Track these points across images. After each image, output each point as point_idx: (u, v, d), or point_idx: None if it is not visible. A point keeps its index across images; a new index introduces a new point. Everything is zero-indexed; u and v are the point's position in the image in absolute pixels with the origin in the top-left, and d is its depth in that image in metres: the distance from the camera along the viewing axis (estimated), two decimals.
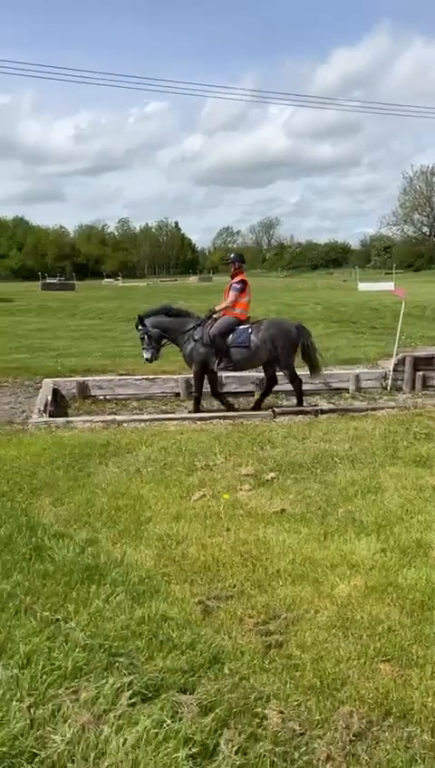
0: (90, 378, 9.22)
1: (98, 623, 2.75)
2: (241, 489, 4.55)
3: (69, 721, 2.14)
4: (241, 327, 7.85)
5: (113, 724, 2.11)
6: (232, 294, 7.95)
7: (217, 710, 2.15)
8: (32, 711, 2.20)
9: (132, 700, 2.24)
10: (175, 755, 1.94)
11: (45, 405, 7.58)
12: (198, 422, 6.86)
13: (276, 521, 3.97)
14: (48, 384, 8.65)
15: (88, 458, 5.28)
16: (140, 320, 7.91)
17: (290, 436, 6.05)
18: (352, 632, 2.69)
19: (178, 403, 8.82)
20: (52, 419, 6.95)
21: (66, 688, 2.33)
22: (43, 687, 2.32)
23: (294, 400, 8.07)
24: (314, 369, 8.20)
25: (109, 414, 7.75)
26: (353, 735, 2.04)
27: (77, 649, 2.54)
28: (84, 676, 2.39)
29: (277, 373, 8.11)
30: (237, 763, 1.93)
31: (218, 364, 7.86)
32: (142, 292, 43.26)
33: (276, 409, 7.61)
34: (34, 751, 2.02)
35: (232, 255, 8.44)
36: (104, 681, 2.34)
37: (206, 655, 2.50)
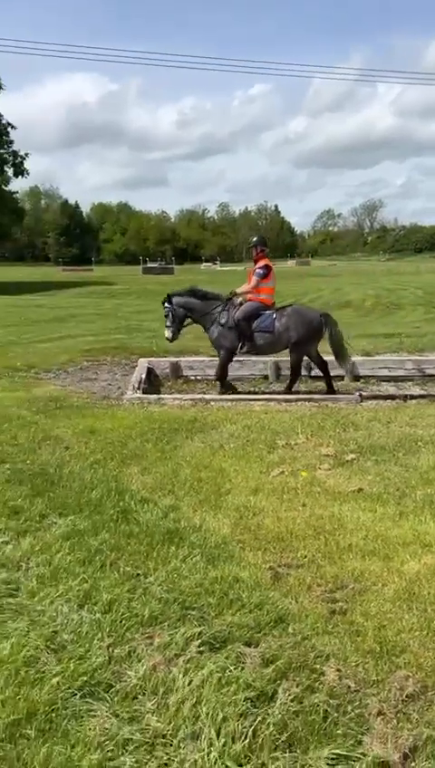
0: (182, 358, 9.53)
1: (174, 580, 2.97)
2: (320, 468, 4.64)
3: (142, 661, 2.36)
4: (266, 312, 7.90)
5: (182, 667, 2.31)
6: (254, 280, 8.01)
7: (277, 663, 2.30)
8: (110, 650, 2.44)
9: (201, 648, 2.43)
10: (235, 697, 2.11)
11: (139, 382, 7.95)
12: (283, 403, 6.96)
13: (352, 499, 4.03)
14: (143, 363, 9.04)
15: (175, 433, 5.54)
16: (168, 298, 8.09)
17: (375, 420, 6.04)
18: (416, 606, 2.74)
19: (266, 385, 8.96)
20: (144, 396, 7.29)
21: (142, 633, 2.55)
22: (122, 631, 2.56)
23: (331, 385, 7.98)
24: (340, 357, 8.12)
25: (198, 393, 8.01)
26: (407, 696, 2.12)
27: (154, 601, 2.77)
28: (159, 624, 2.61)
29: (327, 357, 8.13)
30: (293, 709, 2.07)
31: (242, 348, 7.96)
32: (239, 276, 43.51)
33: (363, 393, 7.58)
34: (111, 683, 2.25)
35: (254, 239, 8.49)
36: (176, 630, 2.55)
37: (272, 615, 2.65)
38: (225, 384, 8.11)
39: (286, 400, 7.15)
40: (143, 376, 8.34)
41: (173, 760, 1.88)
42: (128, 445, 5.21)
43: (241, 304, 7.95)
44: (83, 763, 1.88)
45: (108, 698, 2.17)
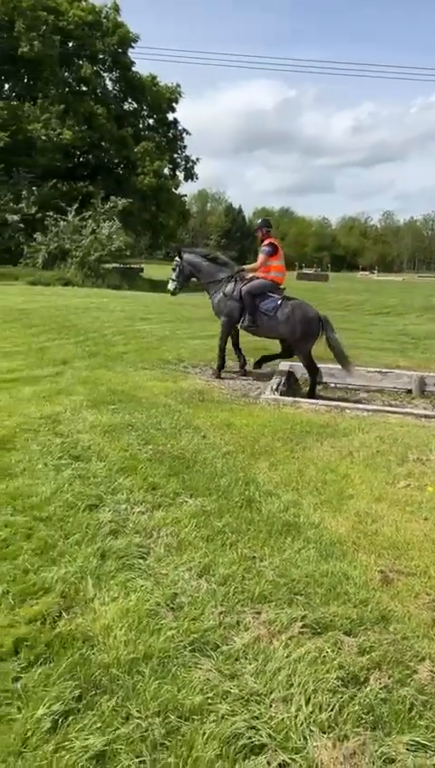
0: (323, 365, 9.62)
1: (287, 567, 3.17)
2: None
3: (248, 631, 2.60)
4: (274, 296, 8.06)
5: (283, 641, 2.52)
6: (261, 257, 8.14)
7: (373, 653, 2.44)
8: (221, 616, 2.70)
9: (303, 630, 2.62)
10: (327, 675, 2.29)
11: (278, 385, 8.18)
12: (422, 419, 6.85)
13: None
14: (284, 367, 9.26)
15: (306, 435, 5.71)
16: (179, 252, 8.35)
17: None
18: None
19: (408, 400, 8.81)
20: (281, 398, 7.52)
21: (251, 608, 2.79)
22: (233, 603, 2.82)
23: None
24: (342, 362, 8.18)
25: (335, 400, 8.09)
26: None
27: (265, 582, 3.00)
28: (267, 602, 2.84)
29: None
30: (381, 696, 2.20)
31: (242, 322, 8.17)
32: (395, 287, 42.36)
33: None
34: (218, 644, 2.52)
35: (259, 221, 8.62)
36: (282, 610, 2.76)
37: (375, 612, 2.77)
38: (223, 353, 8.48)
39: (426, 416, 7.02)
40: (283, 379, 8.56)
41: (264, 715, 2.10)
42: (259, 441, 5.47)
43: (251, 279, 8.10)
44: (186, 702, 2.16)
45: (214, 656, 2.44)
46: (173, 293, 8.75)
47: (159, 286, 34.02)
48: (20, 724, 2.04)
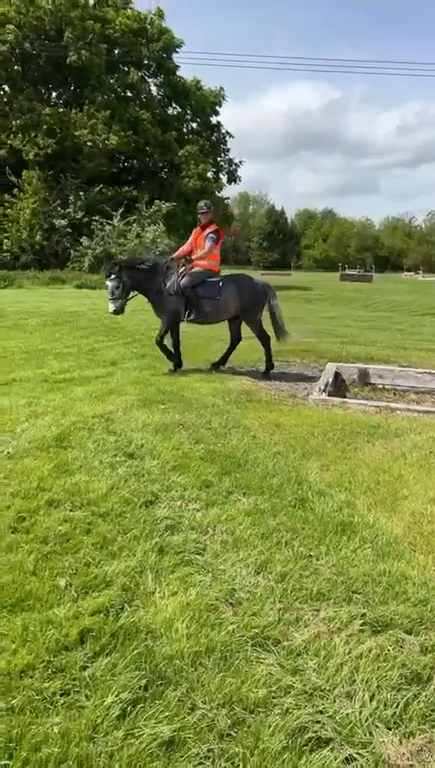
0: (371, 366, 9.53)
1: (344, 566, 3.17)
2: None
3: (308, 627, 2.62)
4: (212, 279, 8.03)
5: (344, 638, 2.53)
6: (208, 244, 8.00)
7: None
8: (280, 613, 2.73)
9: (362, 628, 2.62)
10: (389, 672, 2.28)
11: (326, 385, 8.14)
12: None
13: None
14: (331, 368, 9.21)
15: (357, 436, 5.68)
16: (119, 268, 7.80)
17: None
18: None
19: None
20: (329, 398, 7.48)
21: (309, 605, 2.81)
22: (292, 600, 2.84)
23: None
24: (280, 330, 8.55)
25: (384, 401, 8.01)
26: None
27: (323, 580, 3.00)
28: (325, 600, 2.84)
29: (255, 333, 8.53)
30: None
31: (188, 316, 8.05)
32: None
33: None
34: (278, 639, 2.54)
35: (203, 204, 8.38)
36: (341, 608, 2.76)
37: None
38: (179, 355, 8.37)
39: None
40: (330, 379, 8.52)
41: (328, 709, 2.11)
42: (309, 441, 5.46)
43: (186, 271, 7.98)
44: (250, 695, 2.19)
45: (275, 651, 2.46)
46: (117, 313, 8.01)
47: None
48: (90, 711, 2.10)
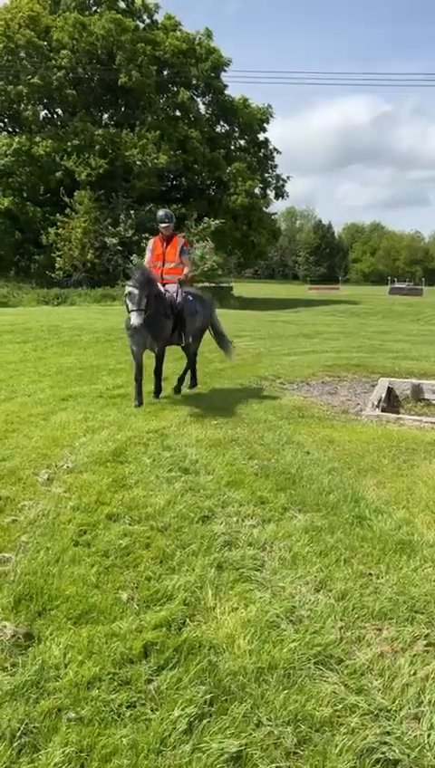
0: (425, 381, 9.39)
1: (405, 585, 3.13)
2: None
3: (371, 646, 2.60)
4: (187, 297, 7.59)
5: (408, 659, 2.49)
6: (186, 259, 7.53)
7: None
8: (342, 631, 2.71)
9: (427, 648, 2.58)
10: None
11: (379, 401, 8.06)
12: None
13: None
14: (383, 383, 9.11)
15: (413, 452, 5.59)
16: (150, 280, 6.80)
17: None
18: None
19: None
20: (383, 414, 7.40)
21: (371, 624, 2.78)
22: (353, 618, 2.82)
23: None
24: (228, 346, 8.56)
25: None
26: None
27: (384, 599, 2.98)
28: (387, 619, 2.82)
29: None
30: None
31: (181, 339, 7.49)
32: None
33: None
34: (341, 658, 2.53)
35: (165, 214, 7.50)
36: (404, 627, 2.73)
37: None
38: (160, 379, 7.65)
39: None
40: (383, 395, 8.42)
41: (396, 730, 2.09)
42: (365, 458, 5.41)
43: (176, 290, 7.27)
44: (316, 713, 2.18)
45: (338, 670, 2.45)
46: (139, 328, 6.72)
47: (250, 304, 34.37)
48: (156, 724, 2.14)
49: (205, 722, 2.14)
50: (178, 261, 7.41)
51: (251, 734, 2.09)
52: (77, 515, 3.91)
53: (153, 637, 2.64)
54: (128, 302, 6.66)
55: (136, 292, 6.60)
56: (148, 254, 7.51)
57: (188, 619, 2.79)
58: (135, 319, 6.51)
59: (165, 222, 7.43)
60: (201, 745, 2.04)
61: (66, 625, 2.72)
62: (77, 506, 4.04)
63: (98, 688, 2.33)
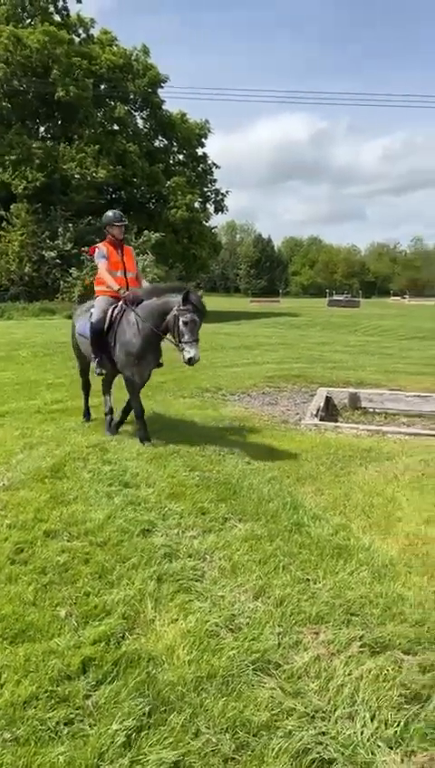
0: (362, 390, 9.64)
1: (341, 589, 3.20)
2: None
3: (308, 650, 2.65)
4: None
5: (343, 660, 2.56)
6: (138, 268, 6.64)
7: (434, 672, 2.45)
8: (280, 637, 2.75)
9: (362, 649, 2.65)
10: (390, 692, 2.32)
11: (317, 410, 8.23)
12: None
13: None
14: (322, 392, 9.30)
15: (350, 460, 5.74)
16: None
17: None
18: None
19: None
20: (321, 423, 7.56)
21: (308, 628, 2.84)
22: (291, 624, 2.87)
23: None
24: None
25: (376, 425, 8.09)
26: None
27: (321, 604, 3.03)
28: (324, 623, 2.87)
29: None
30: None
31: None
32: (429, 312, 42.07)
33: None
34: (279, 663, 2.57)
35: (117, 215, 6.48)
36: (340, 630, 2.80)
37: (433, 632, 2.79)
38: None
39: None
40: (321, 404, 8.61)
41: (331, 730, 2.14)
42: (303, 466, 5.52)
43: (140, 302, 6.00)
44: (253, 718, 2.21)
45: (276, 675, 2.49)
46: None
47: None
48: (94, 739, 2.12)
49: (143, 734, 2.14)
50: (137, 272, 6.57)
51: (189, 743, 2.10)
52: (13, 533, 3.83)
53: (91, 652, 2.61)
54: (184, 330, 5.60)
55: (198, 320, 5.70)
56: (102, 261, 6.29)
57: (127, 633, 2.78)
58: (197, 353, 5.62)
59: (121, 222, 6.44)
60: (139, 758, 2.04)
61: (2, 645, 2.67)
62: (13, 524, 3.96)
63: (35, 707, 2.29)
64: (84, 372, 7.18)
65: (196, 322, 5.66)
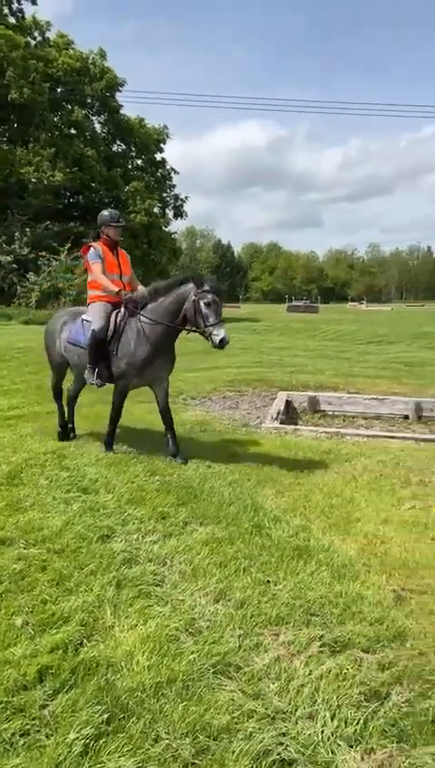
0: (321, 393, 9.74)
1: (301, 590, 3.21)
2: None
3: (268, 652, 2.64)
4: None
5: (303, 661, 2.56)
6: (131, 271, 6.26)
7: (392, 669, 2.48)
8: (240, 639, 2.74)
9: (322, 649, 2.66)
10: (350, 691, 2.33)
11: (278, 413, 8.28)
12: (422, 443, 6.95)
13: None
14: (282, 396, 9.37)
15: (309, 461, 5.78)
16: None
17: None
18: None
19: (406, 425, 8.90)
20: (282, 426, 7.60)
21: (269, 630, 2.83)
22: (251, 626, 2.86)
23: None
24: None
25: (334, 427, 8.18)
26: None
27: (281, 605, 3.03)
28: (285, 624, 2.88)
29: None
30: (404, 709, 2.24)
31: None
32: (385, 317, 42.82)
33: None
34: (240, 665, 2.55)
35: (112, 214, 6.22)
36: (300, 631, 2.80)
37: (392, 630, 2.82)
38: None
39: (425, 440, 7.12)
40: (281, 407, 8.66)
41: (291, 731, 2.13)
42: (264, 469, 5.53)
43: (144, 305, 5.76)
44: (214, 722, 2.19)
45: (237, 677, 2.47)
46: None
47: None
48: (51, 750, 2.06)
49: (101, 742, 2.09)
50: (132, 276, 6.25)
51: (149, 749, 2.06)
52: None
53: (48, 660, 2.55)
54: (208, 312, 5.33)
55: (220, 301, 5.46)
56: (97, 262, 5.93)
57: (85, 640, 2.73)
58: (226, 333, 5.33)
59: (118, 222, 6.15)
60: (97, 766, 1.99)
61: None
62: None
63: None
64: (59, 383, 6.72)
65: (218, 303, 5.40)
